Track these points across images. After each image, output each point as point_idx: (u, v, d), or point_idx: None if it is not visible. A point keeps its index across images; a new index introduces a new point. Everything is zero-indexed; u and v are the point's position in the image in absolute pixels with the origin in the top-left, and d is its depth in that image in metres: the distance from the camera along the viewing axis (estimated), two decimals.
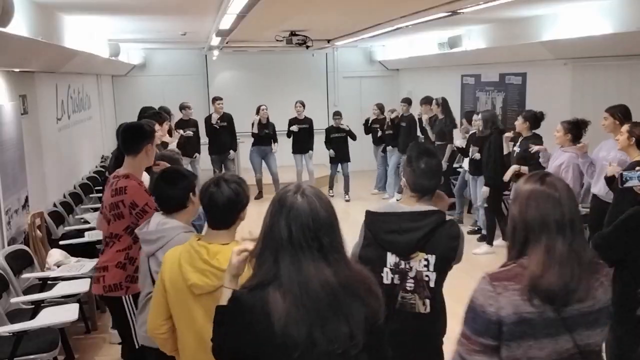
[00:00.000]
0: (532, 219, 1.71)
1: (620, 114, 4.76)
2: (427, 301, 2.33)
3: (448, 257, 2.35)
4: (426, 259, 2.31)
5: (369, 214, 2.40)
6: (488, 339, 1.70)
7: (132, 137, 3.34)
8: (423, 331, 2.39)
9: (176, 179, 2.72)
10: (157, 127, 4.60)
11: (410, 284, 2.32)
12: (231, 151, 9.44)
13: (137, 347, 3.00)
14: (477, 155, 6.73)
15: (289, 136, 9.52)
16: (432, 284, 2.32)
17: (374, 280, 1.76)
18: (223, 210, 2.21)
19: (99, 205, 5.62)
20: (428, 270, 2.31)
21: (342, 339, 1.63)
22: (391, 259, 2.32)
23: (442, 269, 2.35)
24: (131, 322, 3.22)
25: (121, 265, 3.26)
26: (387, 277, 2.32)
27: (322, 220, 1.67)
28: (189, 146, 8.40)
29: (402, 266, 2.32)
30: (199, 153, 9.10)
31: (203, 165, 9.66)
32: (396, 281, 2.32)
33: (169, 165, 3.56)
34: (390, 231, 2.31)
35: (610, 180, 4.25)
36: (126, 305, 3.29)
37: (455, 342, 1.79)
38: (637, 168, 3.59)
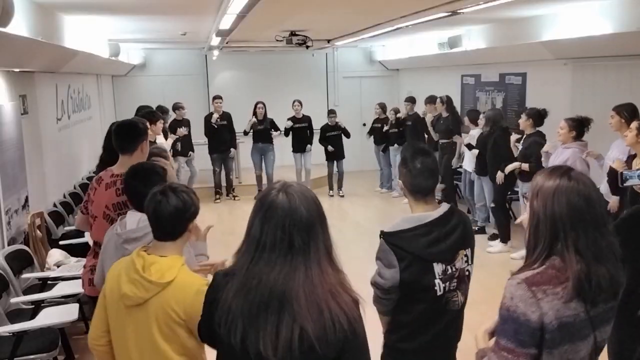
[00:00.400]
0: (562, 215, 1.63)
1: (627, 112, 4.77)
2: (466, 293, 2.38)
3: (474, 246, 2.40)
4: (465, 254, 2.32)
5: (393, 235, 2.25)
6: (534, 349, 1.60)
7: (127, 135, 3.31)
8: (461, 323, 2.44)
9: (148, 176, 2.63)
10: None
11: (453, 284, 2.30)
12: (232, 150, 9.45)
13: None
14: (475, 152, 6.82)
15: (286, 135, 9.54)
16: (470, 277, 2.37)
17: (342, 303, 1.58)
18: (169, 221, 2.13)
19: None
20: (468, 264, 2.33)
21: (270, 350, 1.53)
22: (438, 268, 2.24)
23: (473, 258, 2.39)
24: None
25: None
26: (439, 288, 2.26)
27: (299, 219, 1.59)
28: (184, 145, 8.40)
29: (449, 271, 2.27)
30: (193, 152, 9.13)
31: (203, 165, 9.68)
32: (446, 288, 2.29)
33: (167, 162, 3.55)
34: (431, 243, 2.23)
35: (611, 176, 4.23)
36: None
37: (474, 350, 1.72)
38: (637, 167, 3.59)
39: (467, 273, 2.34)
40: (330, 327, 1.54)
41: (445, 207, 2.34)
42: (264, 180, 9.44)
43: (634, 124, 4.25)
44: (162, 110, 7.75)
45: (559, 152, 5.28)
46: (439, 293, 2.26)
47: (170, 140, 7.08)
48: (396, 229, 2.26)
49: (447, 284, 2.27)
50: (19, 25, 4.41)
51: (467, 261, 2.33)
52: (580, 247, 1.62)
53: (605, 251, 1.64)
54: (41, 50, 5.07)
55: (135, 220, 2.64)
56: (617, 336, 2.95)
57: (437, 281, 2.24)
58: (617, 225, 2.87)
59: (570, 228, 1.63)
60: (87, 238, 5.28)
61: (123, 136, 3.31)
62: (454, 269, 2.28)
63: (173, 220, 2.14)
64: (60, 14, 5.97)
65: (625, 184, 3.28)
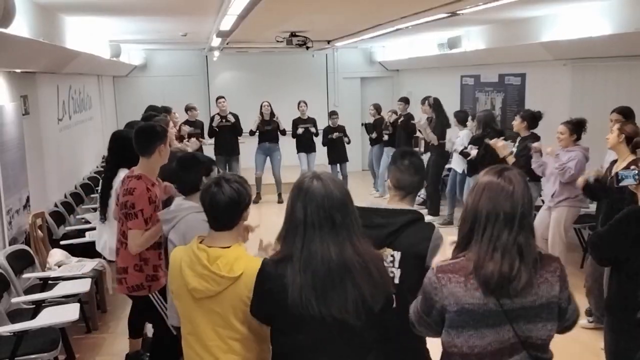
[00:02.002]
0: (482, 210, 1.77)
1: (623, 114, 4.72)
2: (393, 297, 2.21)
3: (415, 256, 2.32)
4: (392, 255, 2.34)
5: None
6: (430, 320, 1.87)
7: (145, 138, 3.43)
8: (393, 327, 2.24)
9: (190, 165, 3.00)
10: None
11: None
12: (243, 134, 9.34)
13: (174, 334, 2.92)
14: (474, 153, 6.70)
15: (293, 136, 9.53)
16: (396, 280, 2.31)
17: (379, 264, 1.95)
18: (225, 211, 2.19)
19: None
20: (393, 266, 2.33)
21: (343, 312, 1.84)
22: None
23: (409, 267, 2.32)
24: (163, 314, 3.32)
25: (138, 267, 3.38)
26: None
27: (335, 200, 1.89)
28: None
29: None
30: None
31: None
32: None
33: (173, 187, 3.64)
34: (362, 225, 2.23)
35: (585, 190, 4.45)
36: (154, 300, 3.42)
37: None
38: (632, 167, 3.60)
39: (391, 274, 2.28)
40: (378, 285, 1.91)
41: (404, 206, 2.42)
42: (267, 181, 9.42)
43: (615, 125, 4.20)
44: (165, 110, 7.74)
45: (561, 154, 5.17)
46: None
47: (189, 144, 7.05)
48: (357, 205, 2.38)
49: None
50: (20, 26, 4.42)
51: (392, 262, 2.33)
52: (483, 240, 1.76)
53: (510, 247, 1.73)
54: (42, 51, 5.09)
55: (176, 204, 3.00)
56: (615, 337, 2.96)
57: None
58: (613, 226, 2.89)
59: (484, 222, 1.77)
60: (88, 238, 5.33)
61: (141, 139, 3.44)
62: None
63: (229, 211, 2.21)
64: (61, 15, 5.99)
65: (620, 184, 3.28)
